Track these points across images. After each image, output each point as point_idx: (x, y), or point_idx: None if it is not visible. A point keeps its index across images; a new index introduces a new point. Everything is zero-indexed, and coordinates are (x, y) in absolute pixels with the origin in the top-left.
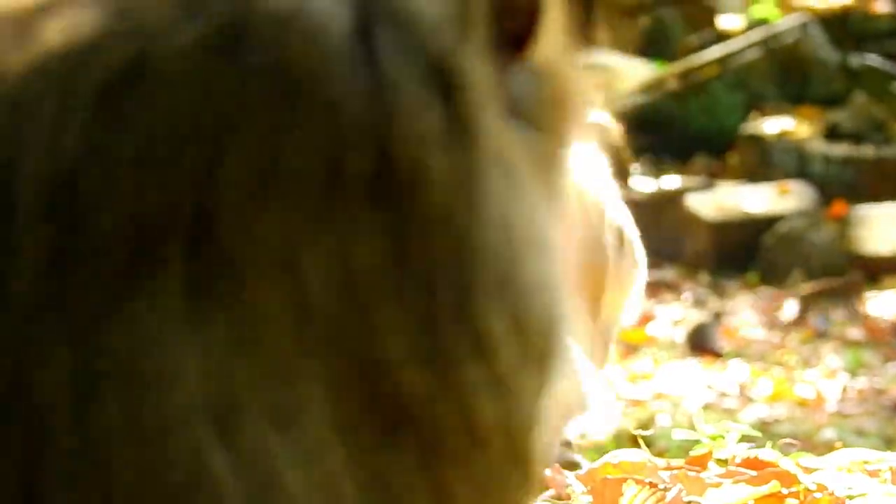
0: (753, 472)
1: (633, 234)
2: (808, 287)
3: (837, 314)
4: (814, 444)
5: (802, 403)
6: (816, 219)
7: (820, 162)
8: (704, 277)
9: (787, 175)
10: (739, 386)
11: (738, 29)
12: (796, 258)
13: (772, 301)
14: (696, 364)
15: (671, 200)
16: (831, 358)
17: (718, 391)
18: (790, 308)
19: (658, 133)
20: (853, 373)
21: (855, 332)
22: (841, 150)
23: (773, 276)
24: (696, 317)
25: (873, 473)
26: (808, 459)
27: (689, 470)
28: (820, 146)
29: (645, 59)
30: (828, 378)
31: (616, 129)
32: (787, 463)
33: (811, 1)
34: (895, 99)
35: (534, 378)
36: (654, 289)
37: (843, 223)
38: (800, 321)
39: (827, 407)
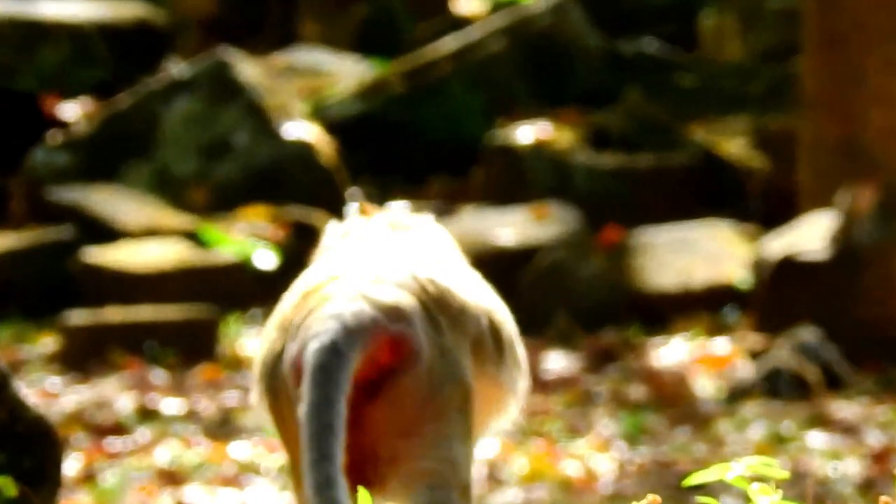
0: None
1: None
2: (575, 335)
3: (612, 369)
4: None
5: (568, 483)
6: (583, 248)
7: (585, 176)
8: None
9: (546, 195)
10: (487, 464)
11: (478, 14)
12: (560, 298)
13: (531, 354)
14: None
15: None
16: (605, 424)
17: None
18: (554, 363)
19: (383, 147)
20: (632, 442)
21: (635, 391)
22: (611, 160)
23: (532, 322)
24: None
25: None
26: None
27: None
28: (584, 157)
29: (363, 56)
30: (600, 450)
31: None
32: None
33: None
34: (677, 94)
35: None
36: None
37: (617, 253)
38: (566, 379)
39: (599, 487)
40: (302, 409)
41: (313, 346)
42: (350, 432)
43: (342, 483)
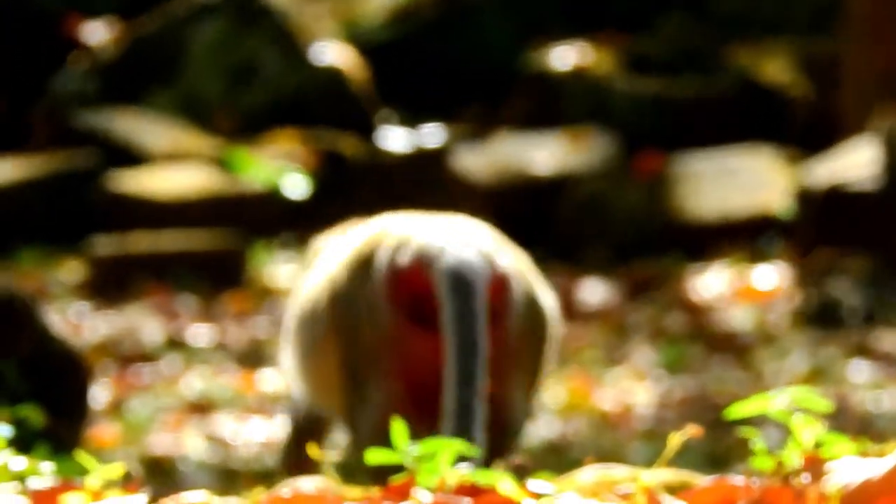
0: (468, 500)
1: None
2: (613, 265)
3: (650, 299)
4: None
5: (605, 415)
6: (621, 177)
7: (623, 103)
8: None
9: (583, 122)
10: None
11: None
12: (597, 227)
13: (567, 285)
14: None
15: (433, 161)
16: (643, 355)
17: None
18: (591, 293)
19: (414, 73)
20: (671, 373)
21: (673, 322)
22: (650, 86)
23: (569, 251)
24: None
25: (625, 497)
26: (543, 483)
27: (388, 500)
28: (623, 83)
29: None
30: (638, 381)
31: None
32: (509, 488)
33: None
34: (718, 17)
35: None
36: None
37: (656, 181)
38: (603, 310)
39: (636, 419)
40: (450, 321)
41: (452, 262)
42: (434, 361)
43: (480, 410)
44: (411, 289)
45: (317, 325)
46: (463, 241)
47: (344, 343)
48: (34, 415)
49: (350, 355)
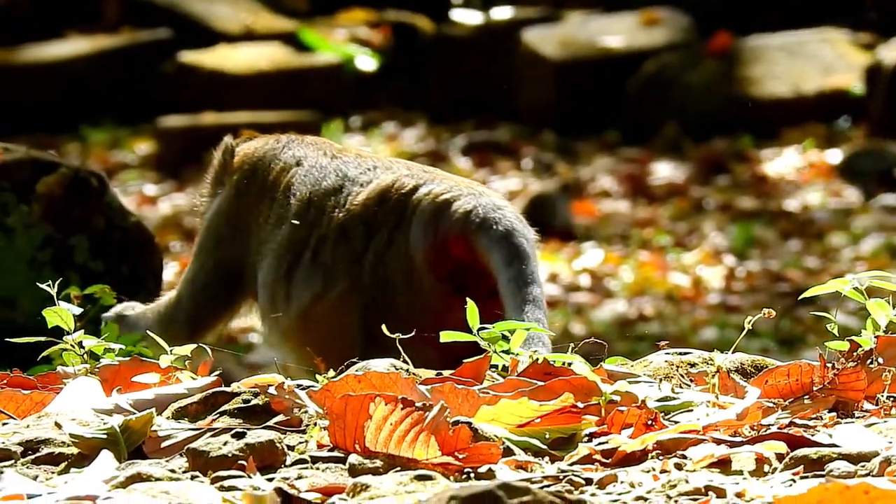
0: (540, 383)
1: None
2: (684, 144)
3: (722, 178)
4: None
5: (676, 295)
6: (693, 54)
7: None
8: (549, 137)
9: (655, 0)
10: (594, 275)
11: None
12: (668, 106)
13: (637, 164)
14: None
15: (504, 36)
16: (714, 235)
17: (566, 282)
18: (662, 172)
19: None
20: (742, 254)
21: (745, 202)
22: None
23: (640, 130)
24: (539, 187)
25: (698, 379)
26: (617, 365)
27: (459, 382)
28: None
29: None
30: (709, 261)
31: None
32: (583, 370)
33: None
34: None
35: None
36: (484, 153)
37: (728, 60)
38: (674, 189)
39: (708, 298)
40: (510, 280)
41: (507, 227)
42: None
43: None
44: (455, 259)
45: (327, 278)
46: (494, 203)
47: (367, 304)
48: (105, 293)
49: (374, 317)
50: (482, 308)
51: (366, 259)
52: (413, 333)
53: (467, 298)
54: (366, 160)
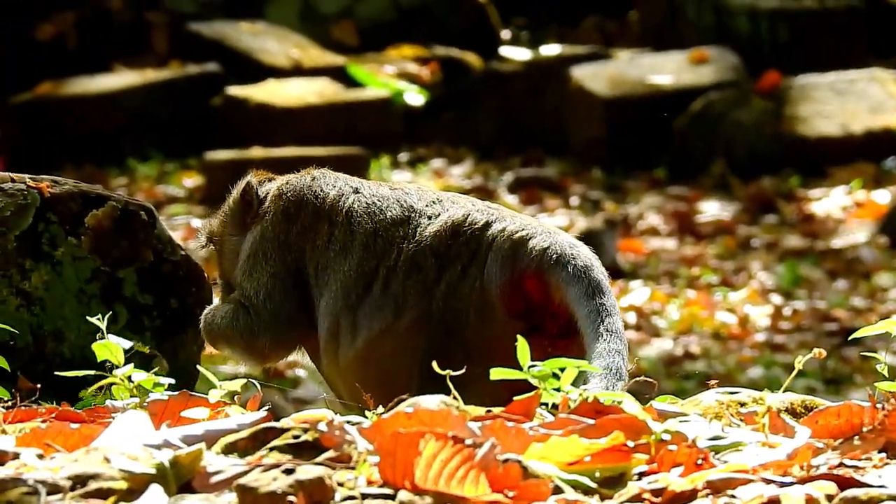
0: (591, 421)
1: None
2: (732, 182)
3: (770, 217)
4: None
5: (722, 333)
6: (742, 93)
7: (745, 19)
8: (597, 173)
9: (704, 38)
10: (640, 312)
11: None
12: (716, 145)
13: (685, 202)
14: None
15: (553, 73)
16: (761, 274)
17: None
18: (709, 210)
19: None
20: (789, 293)
21: (793, 240)
22: (773, 2)
23: (688, 168)
24: (586, 224)
25: (748, 418)
26: (667, 404)
27: (509, 419)
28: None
29: None
30: (755, 300)
31: None
32: (633, 408)
33: None
34: None
35: None
36: (531, 189)
37: (777, 99)
38: (721, 227)
39: (754, 338)
40: (591, 312)
41: (585, 263)
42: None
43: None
44: (530, 297)
45: (397, 308)
46: (569, 240)
47: (433, 335)
48: (139, 346)
49: (439, 349)
50: (551, 348)
51: (437, 290)
52: (475, 368)
53: (530, 336)
54: (427, 192)
